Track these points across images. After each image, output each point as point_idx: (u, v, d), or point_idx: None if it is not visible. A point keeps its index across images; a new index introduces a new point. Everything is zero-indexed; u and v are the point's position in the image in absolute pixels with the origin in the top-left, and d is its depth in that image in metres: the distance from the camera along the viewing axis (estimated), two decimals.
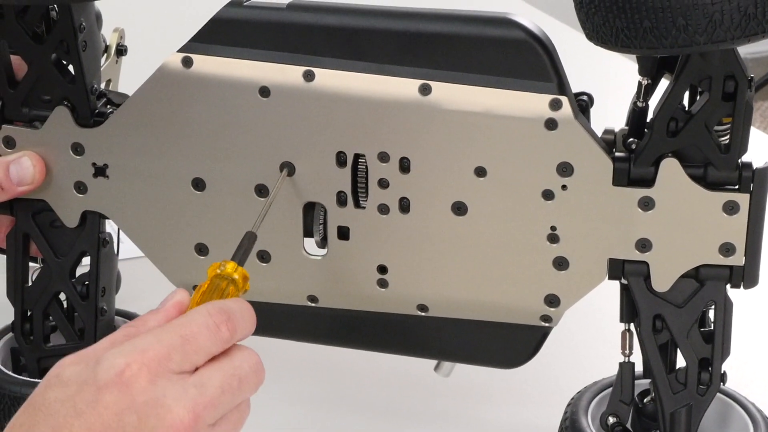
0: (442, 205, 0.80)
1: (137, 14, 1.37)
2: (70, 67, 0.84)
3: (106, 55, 0.94)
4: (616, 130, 0.79)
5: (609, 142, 0.78)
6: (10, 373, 0.89)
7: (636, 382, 0.82)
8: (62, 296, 0.89)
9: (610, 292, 0.82)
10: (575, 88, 0.78)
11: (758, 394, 0.87)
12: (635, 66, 0.79)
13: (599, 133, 0.78)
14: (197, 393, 0.62)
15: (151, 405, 0.60)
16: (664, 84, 0.78)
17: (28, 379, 0.88)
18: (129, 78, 0.93)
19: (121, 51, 0.96)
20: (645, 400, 0.84)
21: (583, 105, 0.78)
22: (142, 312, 0.93)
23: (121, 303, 0.93)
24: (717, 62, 0.73)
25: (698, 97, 0.77)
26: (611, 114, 0.84)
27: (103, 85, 0.89)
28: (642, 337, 0.80)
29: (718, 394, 0.82)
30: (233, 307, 0.66)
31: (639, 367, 0.82)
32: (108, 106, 0.85)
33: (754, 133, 0.81)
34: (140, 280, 0.97)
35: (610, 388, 0.83)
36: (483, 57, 0.77)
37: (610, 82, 1.34)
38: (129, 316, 0.94)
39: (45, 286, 0.88)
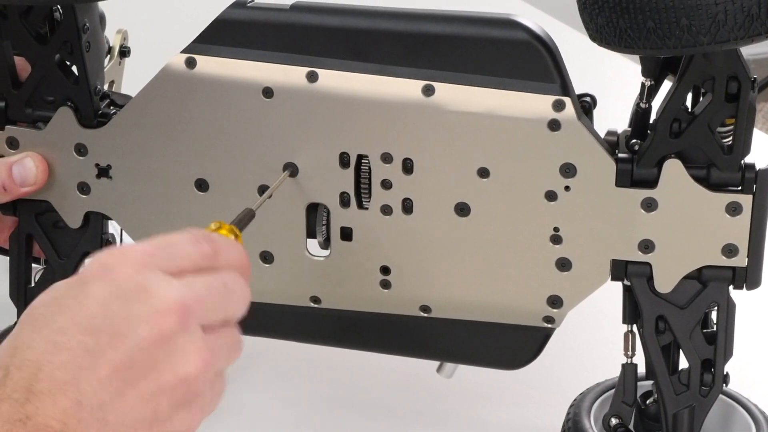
0: (445, 206, 0.80)
1: (140, 16, 1.37)
2: (74, 68, 0.84)
3: (109, 56, 0.95)
4: (619, 131, 0.79)
5: (612, 144, 0.78)
6: None
7: (638, 383, 0.82)
8: None
9: (612, 293, 0.82)
10: (577, 90, 0.78)
11: (761, 396, 0.86)
12: (637, 67, 0.79)
13: (602, 135, 0.78)
14: (183, 286, 0.60)
15: (136, 291, 0.59)
16: (666, 85, 0.78)
17: None
18: (132, 79, 0.93)
19: (124, 52, 0.96)
20: (647, 402, 0.84)
21: (586, 106, 0.78)
22: None
23: None
24: (720, 63, 0.74)
25: (701, 98, 0.77)
26: (614, 115, 0.84)
27: (106, 87, 0.89)
28: (645, 339, 0.80)
29: (721, 396, 0.82)
30: (215, 235, 0.65)
31: (641, 369, 0.82)
32: (111, 108, 0.85)
33: (757, 135, 0.81)
34: None
35: (613, 390, 0.83)
36: (486, 58, 0.77)
37: (613, 83, 1.34)
38: None
39: (48, 287, 0.88)
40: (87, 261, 0.62)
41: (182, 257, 0.62)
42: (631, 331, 0.81)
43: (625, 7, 0.71)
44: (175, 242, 0.63)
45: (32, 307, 0.60)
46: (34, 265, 0.90)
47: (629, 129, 0.79)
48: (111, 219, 0.87)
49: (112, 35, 0.94)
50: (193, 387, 0.60)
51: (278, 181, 0.80)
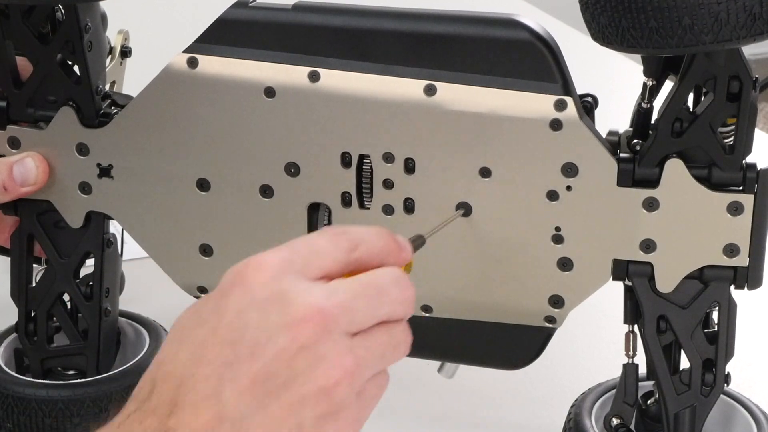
0: (447, 205, 0.80)
1: (141, 16, 1.37)
2: (76, 68, 0.84)
3: (110, 56, 0.95)
4: (620, 131, 0.80)
5: (613, 144, 0.78)
6: (14, 373, 0.89)
7: (639, 384, 0.82)
8: (66, 297, 0.89)
9: (613, 293, 0.82)
10: (578, 90, 0.78)
11: (762, 395, 0.87)
12: (638, 67, 0.79)
13: (603, 135, 0.78)
14: (324, 291, 0.57)
15: (272, 300, 0.57)
16: (667, 85, 0.78)
17: (31, 379, 0.88)
18: (134, 80, 0.93)
19: (125, 53, 0.97)
20: (648, 402, 0.84)
21: (587, 107, 0.78)
22: (146, 313, 0.94)
23: (126, 304, 0.93)
24: (722, 62, 0.74)
25: (703, 98, 0.77)
26: (614, 116, 0.84)
27: (107, 87, 0.89)
28: (646, 338, 0.80)
29: (722, 396, 0.82)
30: (352, 228, 0.62)
31: (642, 369, 0.82)
32: (112, 108, 0.85)
33: (758, 135, 0.81)
34: (144, 281, 0.97)
35: (614, 390, 0.83)
36: (488, 58, 0.77)
37: (614, 83, 1.34)
38: (133, 317, 0.94)
39: (49, 287, 0.88)
40: (227, 272, 0.59)
41: (321, 258, 0.59)
42: (632, 332, 0.81)
43: (628, 7, 0.71)
44: (313, 242, 0.60)
45: (177, 321, 0.60)
46: (34, 265, 0.90)
47: (630, 129, 0.79)
48: (112, 219, 0.87)
49: (113, 36, 0.94)
50: (337, 398, 0.57)
51: (452, 217, 0.79)
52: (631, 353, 0.82)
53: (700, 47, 0.70)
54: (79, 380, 0.88)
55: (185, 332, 0.58)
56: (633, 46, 0.72)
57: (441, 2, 0.84)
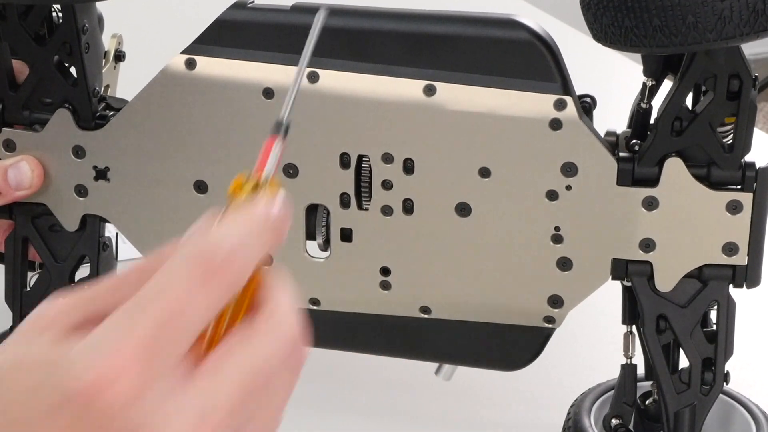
0: (446, 206, 0.80)
1: (135, 20, 1.37)
2: (72, 70, 0.84)
3: (104, 60, 0.94)
4: (618, 132, 0.80)
5: (612, 144, 0.79)
6: None
7: (638, 384, 0.82)
8: None
9: (612, 293, 0.82)
10: (577, 90, 0.78)
11: (761, 395, 0.87)
12: (637, 67, 0.80)
13: (601, 135, 0.79)
14: (200, 412, 0.43)
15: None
16: (666, 85, 0.78)
17: None
18: (128, 84, 0.92)
19: (119, 57, 0.96)
20: (647, 402, 0.84)
21: (586, 107, 0.79)
22: None
23: None
24: (722, 61, 0.74)
25: (702, 97, 0.77)
26: (613, 116, 0.84)
27: (101, 91, 0.89)
28: (645, 338, 0.80)
29: (721, 395, 0.82)
30: (224, 236, 0.45)
31: (641, 369, 0.82)
32: (108, 111, 0.85)
33: (757, 134, 0.82)
34: None
35: (613, 390, 0.83)
36: (487, 58, 0.77)
37: (613, 83, 1.34)
38: None
39: (44, 291, 0.88)
40: (72, 355, 0.42)
41: (189, 327, 0.43)
42: (631, 332, 0.82)
43: (631, 6, 0.71)
44: (174, 309, 0.43)
45: (3, 376, 0.43)
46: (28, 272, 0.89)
47: (629, 130, 0.80)
48: (108, 222, 0.86)
49: (106, 40, 0.94)
50: None
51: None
52: (629, 353, 0.82)
53: (704, 45, 0.71)
54: None
55: (6, 416, 0.43)
56: (636, 45, 0.72)
57: (441, 2, 0.84)
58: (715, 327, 0.80)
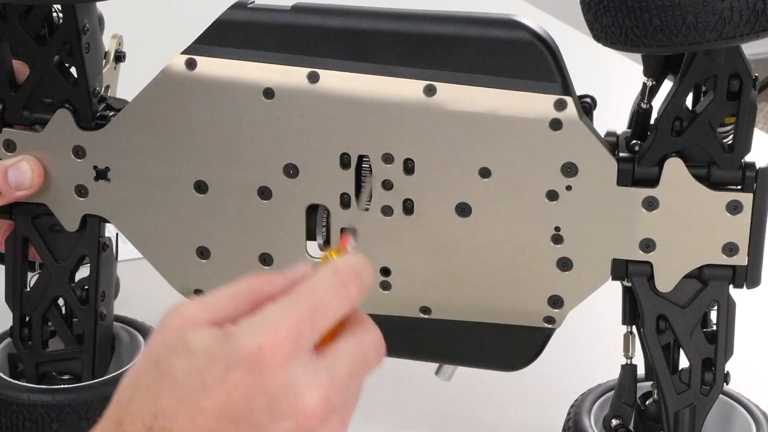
0: (446, 206, 0.80)
1: (136, 20, 1.37)
2: (72, 70, 0.84)
3: (105, 60, 0.94)
4: (619, 132, 0.80)
5: (612, 144, 0.79)
6: (8, 378, 0.88)
7: (638, 384, 0.82)
8: (61, 301, 0.89)
9: (612, 293, 0.82)
10: (577, 90, 0.78)
11: (761, 395, 0.87)
12: (637, 67, 0.80)
13: (601, 135, 0.79)
14: (328, 378, 0.58)
15: (282, 390, 0.57)
16: (666, 86, 0.79)
17: (25, 384, 0.88)
18: (128, 84, 0.92)
19: (119, 57, 0.96)
20: (647, 402, 0.84)
21: (586, 107, 0.79)
22: (141, 317, 0.93)
23: (120, 307, 0.92)
24: (722, 61, 0.74)
25: (702, 97, 0.77)
26: (612, 116, 0.84)
27: (102, 91, 0.89)
28: (646, 338, 0.80)
29: (721, 396, 0.82)
30: (357, 261, 0.63)
31: (641, 370, 0.82)
32: (108, 111, 0.85)
33: (757, 134, 0.82)
34: (140, 284, 0.97)
35: (613, 391, 0.83)
36: (487, 58, 0.77)
37: (612, 83, 1.34)
38: (128, 322, 0.93)
39: (44, 291, 0.88)
40: (235, 333, 0.58)
41: (327, 319, 0.60)
42: (631, 332, 0.82)
43: (631, 6, 0.71)
44: (322, 303, 0.60)
45: (170, 362, 0.58)
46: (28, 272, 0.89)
47: (629, 130, 0.80)
48: (108, 222, 0.86)
49: (107, 40, 0.94)
50: None
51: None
52: (629, 354, 0.82)
53: (704, 45, 0.71)
54: (76, 384, 0.88)
55: (184, 388, 0.58)
56: (637, 45, 0.72)
57: (441, 2, 0.84)
58: (715, 327, 0.80)
